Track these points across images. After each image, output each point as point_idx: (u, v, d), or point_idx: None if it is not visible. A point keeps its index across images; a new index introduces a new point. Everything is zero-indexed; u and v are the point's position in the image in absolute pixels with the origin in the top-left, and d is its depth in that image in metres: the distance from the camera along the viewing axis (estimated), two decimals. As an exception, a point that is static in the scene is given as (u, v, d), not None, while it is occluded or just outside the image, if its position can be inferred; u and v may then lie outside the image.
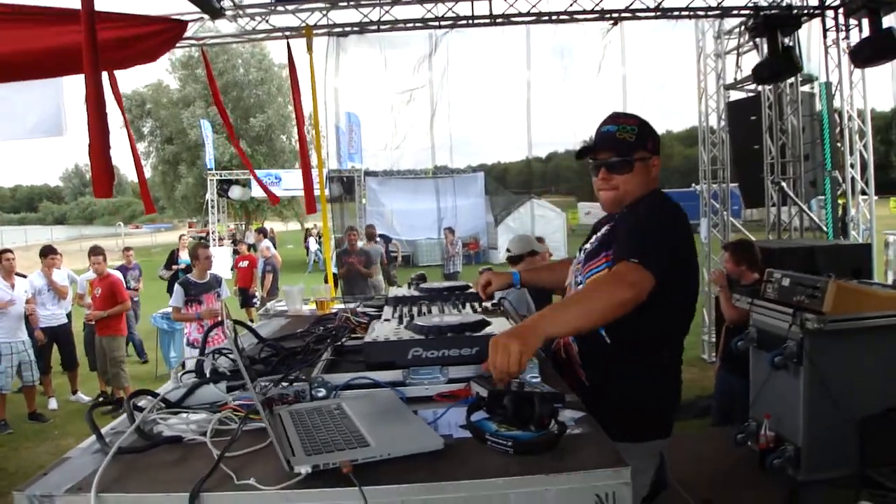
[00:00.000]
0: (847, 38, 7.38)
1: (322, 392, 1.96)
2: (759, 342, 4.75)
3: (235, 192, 25.48)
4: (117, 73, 6.38)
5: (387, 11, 8.01)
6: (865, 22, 6.98)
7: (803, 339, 4.19)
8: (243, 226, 37.58)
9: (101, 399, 8.66)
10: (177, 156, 38.47)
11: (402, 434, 1.64)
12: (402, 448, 1.53)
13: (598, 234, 2.54)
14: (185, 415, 1.85)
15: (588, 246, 2.56)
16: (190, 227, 39.34)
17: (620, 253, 2.19)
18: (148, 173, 44.31)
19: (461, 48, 8.47)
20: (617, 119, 2.42)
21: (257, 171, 24.96)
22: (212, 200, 24.84)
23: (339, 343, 2.58)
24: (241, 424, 1.71)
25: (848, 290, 4.28)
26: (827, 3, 7.70)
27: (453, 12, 8.03)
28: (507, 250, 5.23)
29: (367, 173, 21.61)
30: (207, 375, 2.08)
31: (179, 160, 38.39)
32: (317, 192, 7.89)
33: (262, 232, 20.04)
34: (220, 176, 25.23)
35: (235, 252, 19.28)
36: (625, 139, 2.36)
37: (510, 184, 34.08)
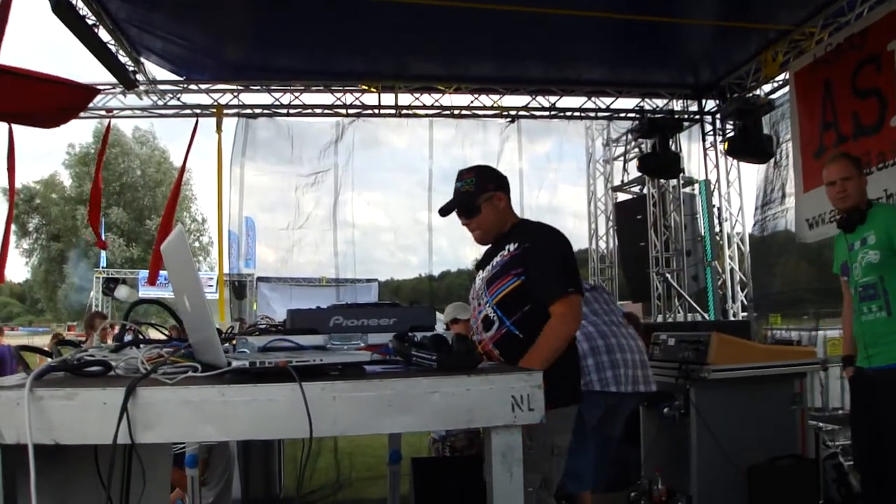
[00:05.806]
0: (724, 140, 8.11)
1: (246, 351, 2.02)
2: (648, 401, 4.96)
3: (121, 292, 24.27)
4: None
5: (297, 97, 8.31)
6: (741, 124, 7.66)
7: (690, 390, 4.44)
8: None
9: None
10: (63, 253, 36.84)
11: (335, 353, 1.74)
12: (333, 358, 1.62)
13: (494, 261, 2.94)
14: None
15: (485, 274, 2.95)
16: (70, 330, 37.18)
17: (551, 293, 2.74)
18: (29, 273, 42.13)
19: (366, 136, 8.79)
20: (461, 176, 3.00)
21: (146, 273, 24.20)
22: (96, 299, 23.72)
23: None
24: (171, 353, 1.75)
25: (730, 342, 4.59)
26: (706, 109, 8.53)
27: (360, 102, 8.40)
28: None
29: (260, 279, 21.37)
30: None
31: (65, 259, 36.76)
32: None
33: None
34: (108, 274, 24.24)
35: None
36: (467, 191, 2.94)
37: (402, 298, 34.33)
